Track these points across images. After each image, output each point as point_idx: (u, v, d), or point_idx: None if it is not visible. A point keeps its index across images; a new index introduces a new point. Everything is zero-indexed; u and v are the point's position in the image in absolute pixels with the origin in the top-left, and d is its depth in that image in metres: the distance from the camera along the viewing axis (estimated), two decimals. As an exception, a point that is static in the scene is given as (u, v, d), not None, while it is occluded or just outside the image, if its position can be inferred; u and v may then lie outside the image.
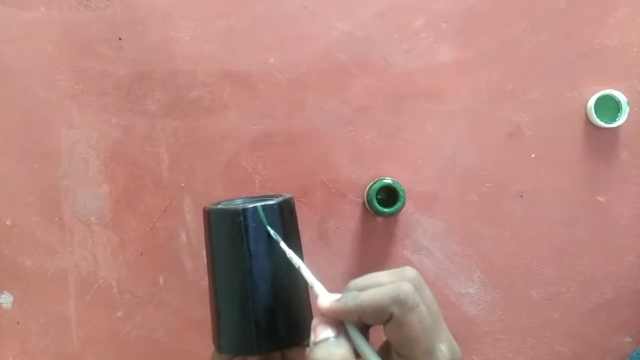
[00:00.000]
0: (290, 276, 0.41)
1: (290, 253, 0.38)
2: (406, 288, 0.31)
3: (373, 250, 0.63)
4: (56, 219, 0.62)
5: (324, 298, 0.34)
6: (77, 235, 0.62)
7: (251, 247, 0.39)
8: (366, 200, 0.61)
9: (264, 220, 0.40)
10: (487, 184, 0.64)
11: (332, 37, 0.63)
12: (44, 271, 0.62)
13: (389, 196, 0.60)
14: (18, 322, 0.62)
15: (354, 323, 0.33)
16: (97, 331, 0.62)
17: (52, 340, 0.62)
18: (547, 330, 0.64)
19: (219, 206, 0.43)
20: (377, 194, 0.59)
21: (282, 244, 0.39)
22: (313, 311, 0.43)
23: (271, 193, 0.55)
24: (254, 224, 0.40)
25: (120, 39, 0.62)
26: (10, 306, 0.62)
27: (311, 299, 0.43)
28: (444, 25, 0.63)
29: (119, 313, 0.62)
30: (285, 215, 0.42)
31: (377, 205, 0.59)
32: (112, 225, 0.62)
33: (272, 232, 0.40)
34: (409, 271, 0.33)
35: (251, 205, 0.40)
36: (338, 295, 0.33)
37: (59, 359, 0.62)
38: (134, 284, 0.62)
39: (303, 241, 0.63)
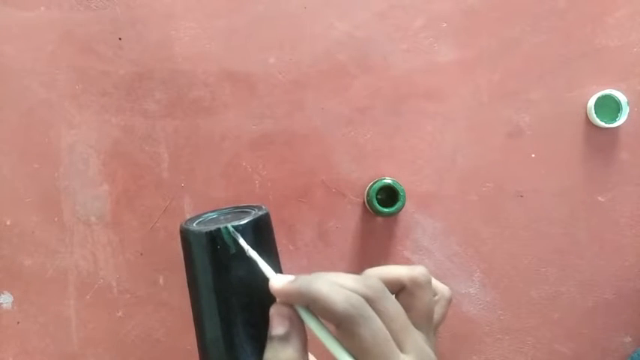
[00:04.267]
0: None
1: (243, 243, 0.36)
2: (357, 302, 0.30)
3: (373, 250, 0.63)
4: (56, 219, 0.62)
5: (277, 279, 0.33)
6: (77, 235, 0.62)
7: (223, 269, 0.38)
8: (366, 200, 0.61)
9: (229, 242, 0.37)
10: (487, 184, 0.64)
11: (332, 37, 0.63)
12: (44, 271, 0.62)
13: (389, 196, 0.60)
14: (18, 322, 0.62)
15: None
16: (97, 331, 0.62)
17: (52, 340, 0.62)
18: (547, 330, 0.64)
19: (187, 225, 0.41)
20: (377, 194, 0.59)
21: (241, 240, 0.37)
22: None
23: (244, 204, 0.50)
24: (219, 248, 0.37)
25: (120, 39, 0.62)
26: (10, 306, 0.62)
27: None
28: (444, 25, 0.63)
29: (119, 313, 0.62)
30: (256, 235, 0.39)
31: (377, 205, 0.59)
32: (112, 225, 0.62)
33: (232, 229, 0.37)
34: (372, 281, 0.32)
35: (214, 228, 0.38)
36: (292, 277, 0.32)
37: (59, 359, 0.62)
38: (134, 284, 0.62)
39: (304, 241, 0.63)
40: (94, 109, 0.62)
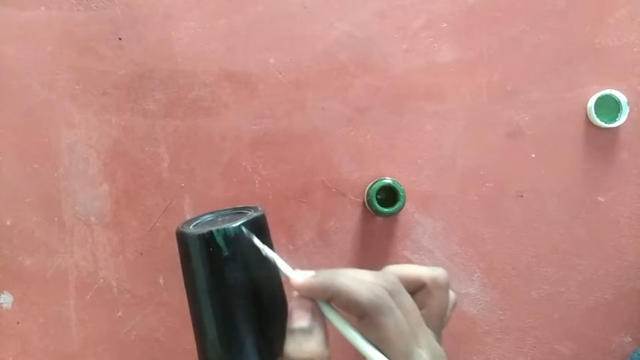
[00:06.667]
0: (274, 291, 0.38)
1: (258, 243, 0.37)
2: (381, 293, 0.31)
3: (373, 250, 0.63)
4: (56, 219, 0.62)
5: (298, 275, 0.33)
6: (77, 235, 0.62)
7: (223, 269, 0.38)
8: (366, 200, 0.61)
9: (222, 244, 0.38)
10: (487, 184, 0.64)
11: (332, 37, 0.63)
12: (44, 271, 0.62)
13: (389, 196, 0.60)
14: (18, 322, 0.62)
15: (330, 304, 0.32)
16: (97, 331, 0.62)
17: (52, 340, 0.62)
18: (547, 330, 0.64)
19: (183, 228, 0.41)
20: (377, 194, 0.59)
21: (255, 240, 0.37)
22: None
23: (243, 206, 0.50)
24: (212, 250, 0.38)
25: (120, 39, 0.62)
26: (10, 306, 0.62)
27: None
28: (444, 25, 0.63)
29: (119, 313, 0.62)
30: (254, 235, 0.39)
31: (377, 205, 0.59)
32: (112, 225, 0.62)
33: (245, 230, 0.38)
34: (390, 277, 0.33)
35: (208, 230, 0.38)
36: (313, 273, 0.33)
37: (59, 359, 0.62)
38: (134, 284, 0.62)
39: (304, 241, 0.63)
40: (94, 109, 0.62)
